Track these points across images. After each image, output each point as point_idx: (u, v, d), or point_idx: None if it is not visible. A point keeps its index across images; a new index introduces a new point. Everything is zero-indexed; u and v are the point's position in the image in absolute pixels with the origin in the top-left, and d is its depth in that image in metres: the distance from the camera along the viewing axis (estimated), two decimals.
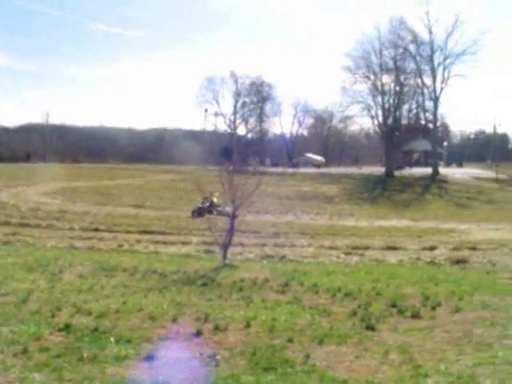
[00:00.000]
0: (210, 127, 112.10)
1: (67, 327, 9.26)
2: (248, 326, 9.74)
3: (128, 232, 26.04)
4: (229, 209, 32.60)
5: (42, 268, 15.25)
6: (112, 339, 8.70)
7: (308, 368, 7.73)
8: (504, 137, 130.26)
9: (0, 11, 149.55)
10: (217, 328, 9.54)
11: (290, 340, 8.98)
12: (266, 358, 8.07)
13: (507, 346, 8.71)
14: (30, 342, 8.46)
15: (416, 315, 10.87)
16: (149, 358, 7.97)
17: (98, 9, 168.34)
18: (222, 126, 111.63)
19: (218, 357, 8.09)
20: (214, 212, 34.43)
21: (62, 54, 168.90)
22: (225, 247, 17.80)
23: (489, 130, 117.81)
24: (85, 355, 7.89)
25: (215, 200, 36.27)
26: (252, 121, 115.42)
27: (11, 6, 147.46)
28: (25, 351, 7.98)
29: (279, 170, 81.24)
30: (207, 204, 36.30)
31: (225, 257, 17.57)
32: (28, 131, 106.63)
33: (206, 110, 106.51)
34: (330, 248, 22.67)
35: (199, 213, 35.20)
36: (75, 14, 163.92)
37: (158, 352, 8.21)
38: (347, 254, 21.10)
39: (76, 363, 7.63)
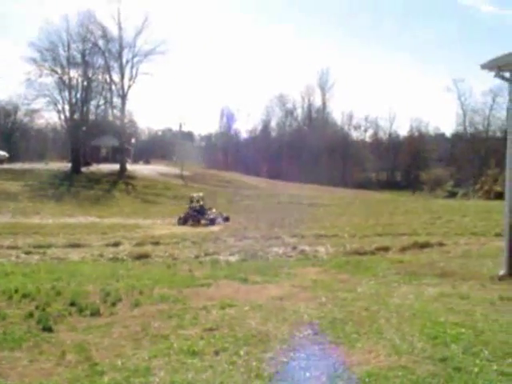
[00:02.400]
0: None
1: None
2: None
3: None
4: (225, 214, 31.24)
5: None
6: None
7: None
8: (190, 135, 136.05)
9: None
10: None
11: None
12: None
13: (182, 336, 9.00)
14: None
15: (96, 312, 10.76)
16: None
17: None
18: None
19: None
20: (204, 219, 33.73)
21: None
22: None
23: (176, 128, 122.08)
24: None
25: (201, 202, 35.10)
26: None
27: None
28: None
29: None
30: (196, 208, 34.64)
31: None
32: None
33: None
34: (10, 247, 21.75)
35: (185, 220, 33.15)
36: None
37: None
38: (28, 253, 20.40)
39: None
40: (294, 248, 21.76)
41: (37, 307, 11.05)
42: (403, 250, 20.51)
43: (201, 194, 39.79)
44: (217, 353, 8.15)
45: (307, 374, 7.33)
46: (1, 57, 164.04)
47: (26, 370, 7.62)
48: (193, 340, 8.77)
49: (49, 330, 9.52)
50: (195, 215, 34.46)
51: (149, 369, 7.51)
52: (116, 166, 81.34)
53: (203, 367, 7.55)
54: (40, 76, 79.91)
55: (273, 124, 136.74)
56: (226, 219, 35.03)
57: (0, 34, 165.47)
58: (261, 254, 20.45)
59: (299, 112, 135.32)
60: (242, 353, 8.15)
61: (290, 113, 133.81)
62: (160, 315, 10.50)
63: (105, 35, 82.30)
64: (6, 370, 7.61)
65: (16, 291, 12.44)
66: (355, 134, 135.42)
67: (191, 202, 37.49)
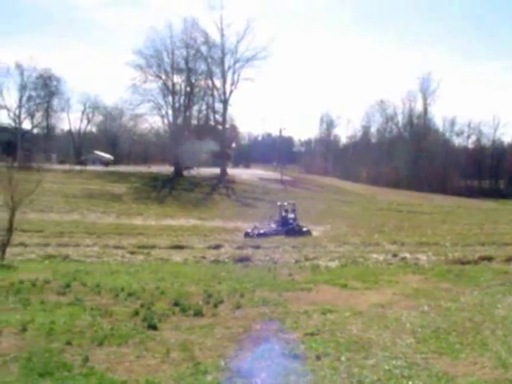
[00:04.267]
0: None
1: None
2: (24, 330, 9.28)
3: None
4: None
5: None
6: None
7: (86, 371, 7.52)
8: (289, 140, 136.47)
9: None
10: None
11: (69, 343, 8.68)
12: (43, 363, 7.73)
13: (283, 340, 9.05)
14: None
15: (198, 313, 10.96)
16: None
17: None
18: (6, 120, 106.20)
19: None
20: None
21: None
22: (3, 247, 16.87)
23: (275, 133, 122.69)
24: None
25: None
26: (38, 115, 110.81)
27: None
28: None
29: (66, 167, 78.85)
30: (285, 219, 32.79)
31: (2, 257, 16.66)
32: None
33: None
34: (116, 247, 22.39)
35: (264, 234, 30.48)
36: None
37: None
38: (132, 253, 20.95)
39: None
40: (395, 255, 21.44)
41: (142, 306, 11.38)
42: (508, 260, 19.85)
43: (291, 202, 37.45)
44: (318, 357, 8.16)
45: (410, 383, 7.26)
46: (108, 64, 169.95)
47: (132, 366, 7.86)
48: (294, 344, 8.82)
49: (154, 328, 9.78)
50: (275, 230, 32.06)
51: (251, 370, 7.59)
52: (216, 170, 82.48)
53: (305, 371, 7.58)
54: (145, 82, 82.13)
55: (373, 130, 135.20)
56: (308, 232, 31.95)
57: (108, 44, 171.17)
58: (361, 260, 20.27)
59: (400, 118, 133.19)
60: (343, 358, 8.13)
61: (390, 118, 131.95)
62: (261, 318, 10.59)
63: (207, 42, 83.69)
64: (114, 364, 7.86)
65: (122, 290, 12.86)
66: (457, 141, 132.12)
67: (285, 211, 34.47)
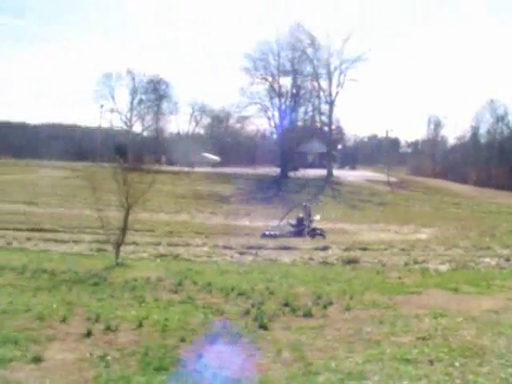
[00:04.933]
0: (105, 124, 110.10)
1: None
2: (140, 325, 9.58)
3: (18, 230, 25.24)
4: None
5: None
6: None
7: (200, 368, 7.67)
8: (395, 141, 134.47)
9: None
10: (108, 328, 9.34)
11: (183, 339, 8.89)
12: (158, 358, 7.95)
13: (395, 343, 8.94)
14: None
15: (308, 314, 10.97)
16: (36, 359, 7.69)
17: None
18: (118, 123, 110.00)
19: (108, 357, 7.91)
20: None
21: None
22: (117, 246, 17.49)
23: (381, 134, 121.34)
24: None
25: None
26: (148, 119, 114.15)
27: None
28: None
29: (175, 168, 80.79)
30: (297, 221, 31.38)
31: (117, 256, 17.27)
32: None
33: (101, 106, 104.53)
34: (225, 247, 22.73)
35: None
36: None
37: (46, 353, 7.95)
38: (242, 253, 21.22)
39: None
40: (508, 260, 20.78)
41: (252, 305, 11.51)
42: None
43: (308, 204, 34.82)
44: (431, 362, 8.02)
45: None
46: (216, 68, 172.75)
47: (244, 364, 7.97)
48: (406, 347, 8.69)
49: (264, 327, 9.87)
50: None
51: (362, 373, 7.55)
52: (322, 172, 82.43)
53: (418, 376, 7.47)
54: (252, 84, 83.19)
55: (482, 131, 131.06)
56: (320, 234, 30.28)
57: (215, 48, 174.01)
58: (471, 264, 19.76)
59: (510, 118, 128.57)
60: (457, 364, 7.96)
61: (500, 119, 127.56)
62: (371, 320, 10.51)
63: (313, 43, 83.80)
64: (226, 362, 8.00)
65: (232, 289, 13.04)
66: None
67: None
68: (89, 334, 9.02)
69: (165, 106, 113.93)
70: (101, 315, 10.06)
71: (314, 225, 31.43)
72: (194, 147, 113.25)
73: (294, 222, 31.44)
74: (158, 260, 18.76)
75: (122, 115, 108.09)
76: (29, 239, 22.30)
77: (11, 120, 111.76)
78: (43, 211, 34.43)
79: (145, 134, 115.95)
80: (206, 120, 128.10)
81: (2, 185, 49.97)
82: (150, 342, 8.77)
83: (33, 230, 25.50)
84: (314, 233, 30.32)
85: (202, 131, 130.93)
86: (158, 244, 22.70)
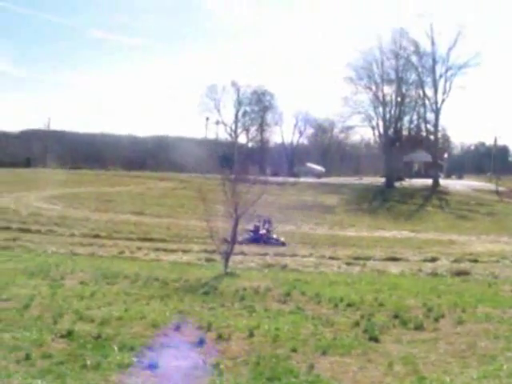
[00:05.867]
0: (211, 135, 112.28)
1: (70, 334, 9.23)
2: (251, 335, 9.69)
3: (128, 239, 26.12)
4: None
5: (44, 274, 15.32)
6: (115, 347, 8.66)
7: (312, 378, 7.68)
8: (504, 149, 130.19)
9: None
10: (220, 337, 9.52)
11: (294, 350, 8.93)
12: (270, 368, 8.02)
13: (511, 359, 8.66)
14: (33, 348, 8.42)
15: (419, 327, 10.80)
16: (152, 366, 7.91)
17: (97, 15, 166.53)
18: (223, 135, 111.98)
19: (221, 366, 8.04)
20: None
21: (61, 61, 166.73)
22: (226, 256, 17.78)
23: (489, 142, 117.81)
24: (88, 362, 7.85)
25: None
26: (253, 130, 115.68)
27: (6, 11, 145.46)
28: (27, 358, 7.95)
29: (280, 179, 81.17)
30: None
31: (226, 265, 17.55)
32: (28, 137, 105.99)
33: (207, 119, 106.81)
34: (331, 258, 22.68)
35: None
36: (73, 20, 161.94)
37: (161, 360, 8.16)
38: (348, 264, 21.11)
39: (79, 371, 7.59)
40: None
41: (362, 316, 11.44)
42: None
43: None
44: None
45: None
46: (319, 78, 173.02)
47: (356, 376, 7.92)
48: None
49: (375, 339, 9.78)
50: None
51: None
52: (428, 181, 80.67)
53: None
54: (355, 94, 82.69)
55: None
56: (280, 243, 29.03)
57: (316, 59, 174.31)
58: None
59: None
60: None
61: None
62: (485, 335, 10.22)
63: (417, 50, 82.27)
64: (339, 374, 7.97)
65: (341, 300, 13.01)
66: None
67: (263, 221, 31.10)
68: (201, 342, 9.20)
69: (269, 116, 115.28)
70: (212, 324, 10.25)
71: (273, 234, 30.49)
72: (298, 158, 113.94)
73: (251, 228, 31.13)
74: (266, 270, 18.92)
75: (227, 126, 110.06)
76: (139, 248, 22.99)
77: (120, 133, 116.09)
78: (152, 221, 35.37)
79: (250, 144, 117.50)
80: (310, 130, 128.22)
81: (112, 196, 51.68)
82: (261, 351, 8.85)
83: (143, 239, 26.27)
84: (270, 241, 29.39)
85: (305, 141, 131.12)
86: (265, 254, 22.89)
